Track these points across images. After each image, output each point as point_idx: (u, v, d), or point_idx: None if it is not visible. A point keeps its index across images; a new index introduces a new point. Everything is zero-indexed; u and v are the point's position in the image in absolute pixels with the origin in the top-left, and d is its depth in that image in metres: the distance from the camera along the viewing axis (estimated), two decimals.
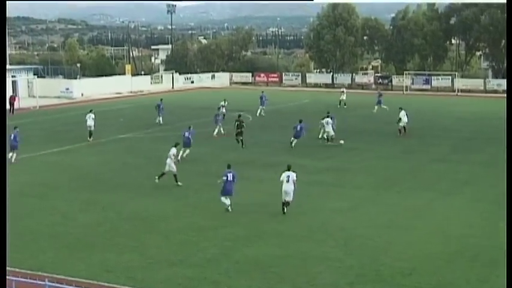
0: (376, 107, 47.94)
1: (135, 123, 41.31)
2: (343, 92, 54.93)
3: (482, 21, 71.54)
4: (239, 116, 34.09)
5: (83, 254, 16.55)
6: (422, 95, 66.50)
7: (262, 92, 49.36)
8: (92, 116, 35.29)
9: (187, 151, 29.44)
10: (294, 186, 19.98)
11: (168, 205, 21.57)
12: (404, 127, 36.93)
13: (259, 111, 46.21)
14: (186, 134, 29.61)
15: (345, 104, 52.74)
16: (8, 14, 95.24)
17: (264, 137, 37.05)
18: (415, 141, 35.00)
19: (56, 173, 27.23)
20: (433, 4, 78.60)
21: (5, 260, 11.86)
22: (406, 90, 69.66)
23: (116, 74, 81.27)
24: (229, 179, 20.44)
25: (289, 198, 20.04)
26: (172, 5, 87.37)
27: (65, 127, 41.13)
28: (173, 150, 24.62)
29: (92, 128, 35.08)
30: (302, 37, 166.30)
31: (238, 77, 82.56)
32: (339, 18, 78.55)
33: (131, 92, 68.92)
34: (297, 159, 29.14)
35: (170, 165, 24.21)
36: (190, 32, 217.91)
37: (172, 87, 75.22)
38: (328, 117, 34.44)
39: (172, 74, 77.93)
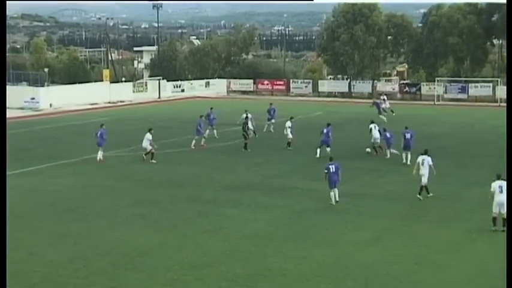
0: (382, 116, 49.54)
1: (115, 140, 41.33)
2: (384, 100, 55.84)
3: None
4: None
5: None
6: (458, 106, 66.63)
7: (271, 104, 49.09)
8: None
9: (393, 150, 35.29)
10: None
11: (153, 237, 21.57)
12: (374, 147, 36.65)
13: (266, 126, 45.97)
14: (388, 134, 35.58)
15: (385, 111, 53.34)
16: None
17: (268, 156, 37.10)
18: (450, 162, 34.99)
19: (19, 199, 27.20)
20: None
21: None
22: (438, 100, 69.84)
23: (91, 81, 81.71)
24: (331, 170, 24.89)
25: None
26: None
27: (29, 144, 41.21)
28: (428, 159, 26.60)
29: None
30: (313, 37, 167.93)
31: (237, 84, 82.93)
32: (358, 14, 78.45)
33: (109, 102, 69.22)
34: (307, 183, 29.21)
35: (424, 175, 26.44)
36: (180, 30, 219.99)
37: (159, 97, 75.53)
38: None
39: (159, 81, 78.27)
